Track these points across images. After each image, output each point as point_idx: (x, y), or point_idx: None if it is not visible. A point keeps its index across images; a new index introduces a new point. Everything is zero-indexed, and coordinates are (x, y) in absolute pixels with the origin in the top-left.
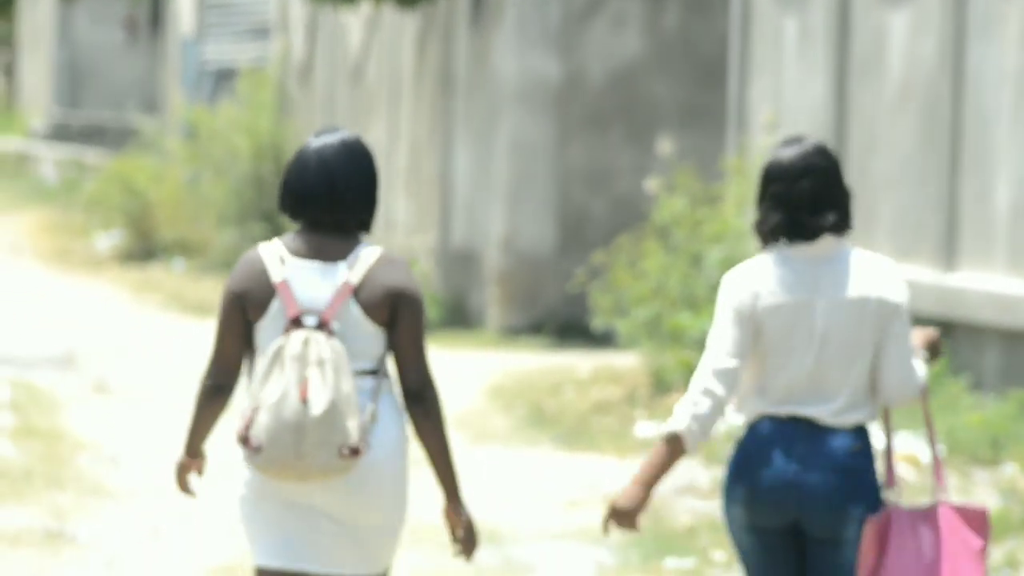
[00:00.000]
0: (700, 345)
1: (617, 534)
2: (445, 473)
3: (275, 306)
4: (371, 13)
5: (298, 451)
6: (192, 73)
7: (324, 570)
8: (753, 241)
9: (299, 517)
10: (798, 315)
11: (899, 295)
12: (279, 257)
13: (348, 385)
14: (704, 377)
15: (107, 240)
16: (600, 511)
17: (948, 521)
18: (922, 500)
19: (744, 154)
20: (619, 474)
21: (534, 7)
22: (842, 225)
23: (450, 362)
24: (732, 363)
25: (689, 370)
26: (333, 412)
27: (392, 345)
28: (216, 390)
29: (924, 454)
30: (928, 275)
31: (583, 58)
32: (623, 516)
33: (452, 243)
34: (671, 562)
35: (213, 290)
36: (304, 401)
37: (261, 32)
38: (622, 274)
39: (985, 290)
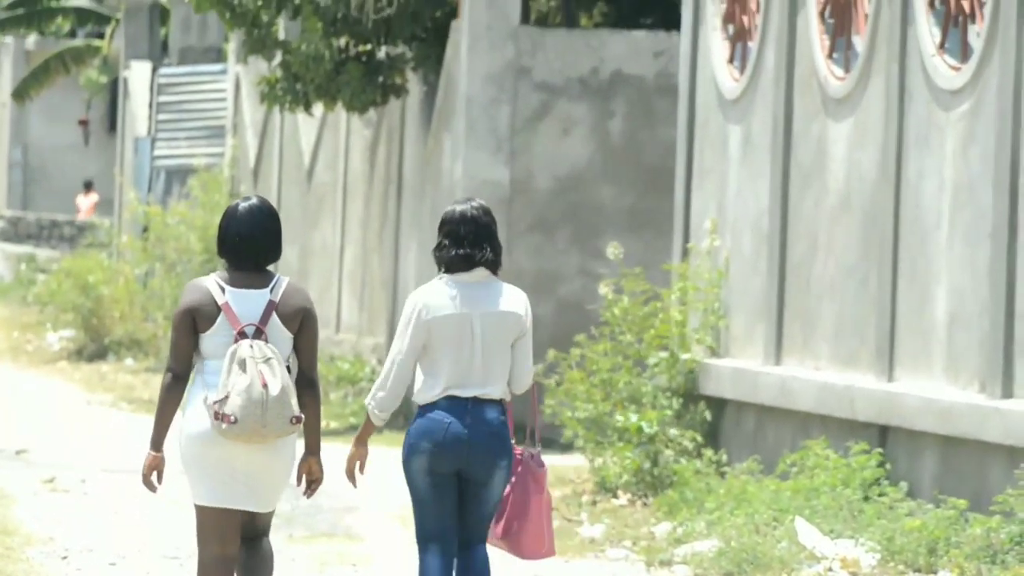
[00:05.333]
0: (644, 446)
1: None
2: (316, 434)
3: (220, 321)
4: (322, 116)
5: (263, 421)
6: (145, 172)
7: (248, 507)
8: (695, 347)
9: (235, 470)
10: (462, 323)
11: (525, 309)
12: (219, 287)
13: (287, 375)
14: (387, 371)
15: (59, 337)
16: None
17: (527, 463)
18: None
19: (689, 258)
20: (563, 575)
21: (484, 112)
22: (493, 262)
23: (393, 461)
24: (409, 359)
25: (633, 473)
26: (284, 393)
27: (296, 346)
28: (176, 379)
29: (864, 560)
30: (868, 381)
31: (531, 163)
32: (354, 465)
33: None
34: None
35: None
36: (265, 387)
37: (215, 132)
38: (573, 374)
39: (923, 397)
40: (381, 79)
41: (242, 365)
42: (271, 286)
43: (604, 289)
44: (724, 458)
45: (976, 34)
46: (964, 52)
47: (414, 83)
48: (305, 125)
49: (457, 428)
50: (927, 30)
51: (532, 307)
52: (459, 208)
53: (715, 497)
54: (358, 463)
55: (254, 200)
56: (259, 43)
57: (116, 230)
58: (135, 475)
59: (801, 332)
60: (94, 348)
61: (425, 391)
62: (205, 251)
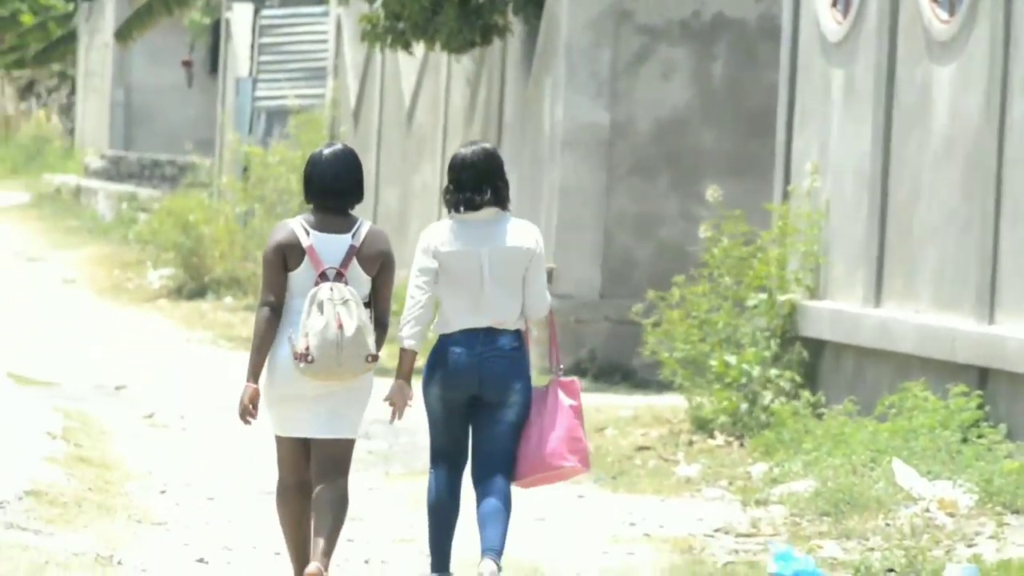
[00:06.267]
0: (742, 387)
1: (654, 569)
2: (399, 365)
3: (305, 262)
4: (423, 57)
5: (339, 360)
6: (246, 113)
7: (320, 435)
8: (794, 289)
9: (310, 403)
10: (469, 259)
11: (535, 242)
12: (304, 229)
13: (364, 315)
14: (409, 307)
15: (159, 275)
16: (643, 548)
17: (554, 389)
18: (959, 546)
19: (789, 201)
20: (660, 514)
21: (584, 55)
22: (496, 201)
23: None
24: (427, 293)
25: (730, 414)
26: (359, 333)
27: (374, 288)
28: (271, 309)
29: (961, 501)
30: (968, 324)
31: (631, 106)
32: (402, 400)
33: None
34: None
35: None
36: (340, 328)
37: (315, 74)
38: (672, 314)
39: None
40: (480, 22)
41: (320, 307)
42: (353, 231)
43: (704, 231)
44: (822, 400)
45: None
46: None
47: (515, 26)
48: (406, 67)
49: (468, 356)
50: None
51: (631, 249)
52: (461, 153)
53: (812, 438)
54: (402, 397)
55: (338, 146)
56: None
57: (217, 170)
58: (233, 412)
59: (902, 276)
60: (194, 286)
61: (442, 324)
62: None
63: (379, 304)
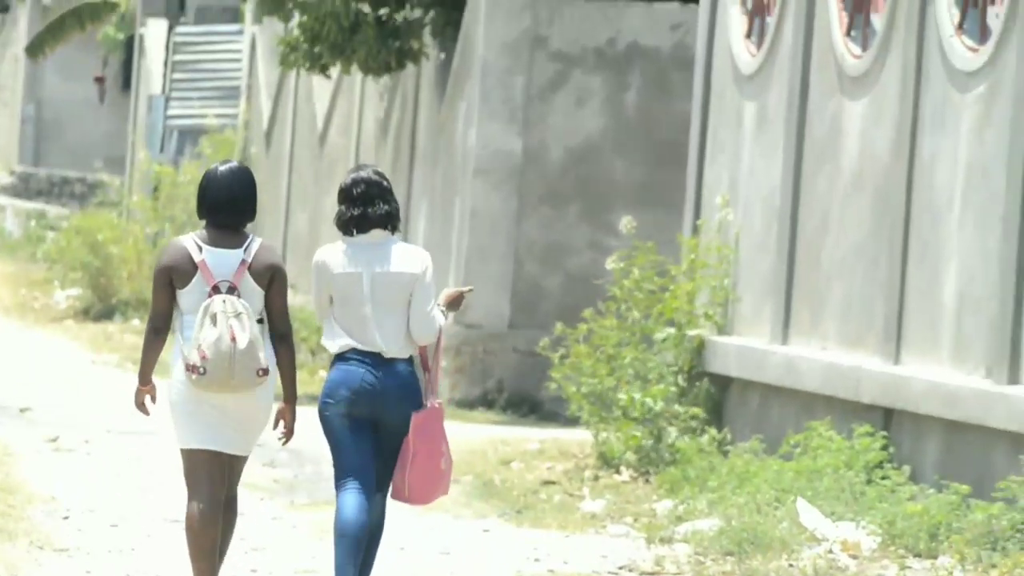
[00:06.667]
0: (648, 422)
1: None
2: (291, 384)
3: (197, 277)
4: (337, 79)
5: (231, 373)
6: (158, 131)
7: (230, 451)
8: (703, 324)
9: (216, 416)
10: (354, 281)
11: (420, 268)
12: (196, 245)
13: (256, 329)
14: (324, 326)
15: (66, 295)
16: None
17: (429, 412)
18: None
19: (699, 234)
20: (564, 550)
21: (499, 81)
22: (387, 219)
23: None
24: (322, 313)
25: (636, 449)
26: (252, 347)
27: (267, 302)
28: (156, 332)
29: (865, 543)
30: (874, 363)
31: (544, 133)
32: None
33: None
34: None
35: (169, 349)
36: (233, 340)
37: (228, 93)
38: (579, 348)
39: (929, 380)
40: (397, 43)
41: (213, 319)
42: (245, 246)
43: (612, 263)
44: (728, 437)
45: (995, 16)
46: (982, 33)
47: (430, 50)
48: (319, 89)
49: (370, 378)
50: (946, 10)
51: (540, 278)
52: (351, 176)
53: (717, 476)
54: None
55: (233, 164)
56: (276, 2)
57: (127, 189)
58: (139, 436)
59: (809, 311)
60: (101, 307)
61: (336, 341)
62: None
63: (274, 315)
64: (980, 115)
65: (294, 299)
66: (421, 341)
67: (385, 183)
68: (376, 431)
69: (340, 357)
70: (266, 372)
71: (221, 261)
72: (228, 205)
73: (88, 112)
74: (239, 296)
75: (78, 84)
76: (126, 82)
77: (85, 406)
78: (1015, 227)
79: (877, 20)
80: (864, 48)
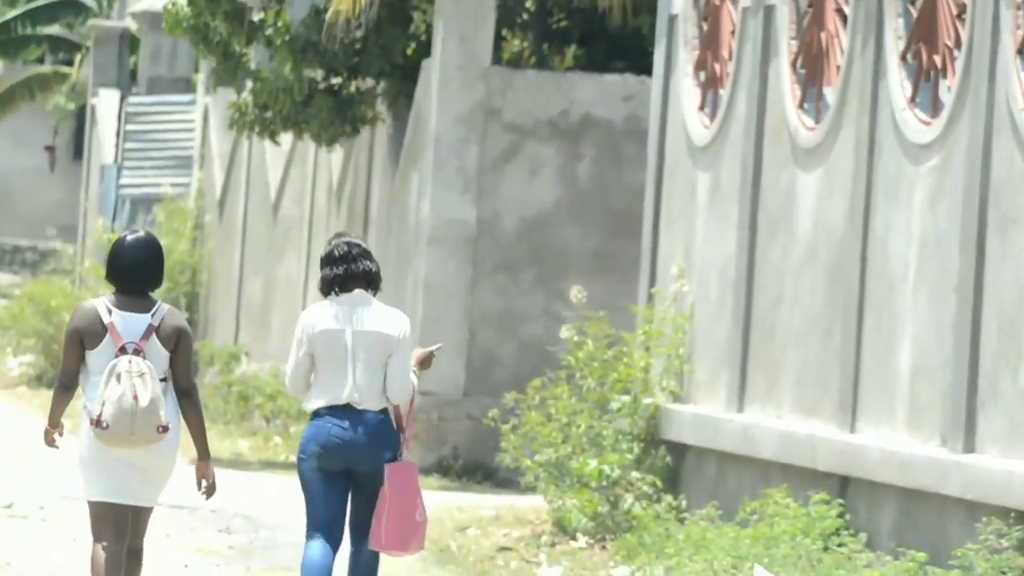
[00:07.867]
0: (604, 490)
1: None
2: (201, 440)
3: (106, 340)
4: (290, 148)
5: (132, 428)
6: (111, 200)
7: (134, 503)
8: (658, 392)
9: (121, 470)
10: (336, 338)
11: (399, 331)
12: (107, 309)
13: (158, 388)
14: (288, 382)
15: (19, 362)
16: None
17: (403, 464)
18: None
19: (654, 303)
20: None
21: (452, 151)
22: (368, 279)
23: None
24: (299, 370)
25: (592, 516)
26: (153, 404)
27: (172, 363)
28: (64, 388)
29: None
30: (829, 431)
31: (497, 203)
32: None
33: None
34: None
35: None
36: (135, 398)
37: (181, 163)
38: (531, 416)
39: (884, 449)
40: (350, 113)
41: (118, 378)
42: (153, 311)
43: (566, 332)
44: (684, 504)
45: (947, 89)
46: (935, 107)
47: (383, 119)
48: (272, 158)
49: (340, 431)
50: (898, 84)
51: (494, 346)
52: (332, 240)
53: (674, 543)
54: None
55: (140, 233)
56: (230, 72)
57: (79, 257)
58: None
59: (764, 380)
60: (54, 374)
61: (313, 400)
62: (167, 280)
63: (179, 374)
64: (933, 187)
65: (248, 366)
66: (396, 400)
67: (364, 246)
68: (352, 479)
69: (315, 414)
70: (166, 429)
71: (129, 324)
72: (134, 273)
73: (38, 181)
74: (144, 357)
75: (28, 153)
76: (77, 151)
77: (39, 472)
78: (968, 298)
79: (830, 93)
80: (817, 120)
